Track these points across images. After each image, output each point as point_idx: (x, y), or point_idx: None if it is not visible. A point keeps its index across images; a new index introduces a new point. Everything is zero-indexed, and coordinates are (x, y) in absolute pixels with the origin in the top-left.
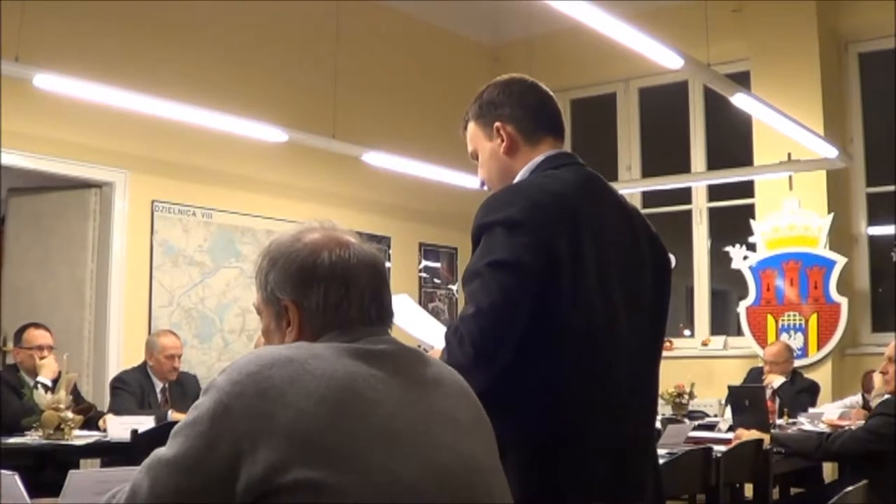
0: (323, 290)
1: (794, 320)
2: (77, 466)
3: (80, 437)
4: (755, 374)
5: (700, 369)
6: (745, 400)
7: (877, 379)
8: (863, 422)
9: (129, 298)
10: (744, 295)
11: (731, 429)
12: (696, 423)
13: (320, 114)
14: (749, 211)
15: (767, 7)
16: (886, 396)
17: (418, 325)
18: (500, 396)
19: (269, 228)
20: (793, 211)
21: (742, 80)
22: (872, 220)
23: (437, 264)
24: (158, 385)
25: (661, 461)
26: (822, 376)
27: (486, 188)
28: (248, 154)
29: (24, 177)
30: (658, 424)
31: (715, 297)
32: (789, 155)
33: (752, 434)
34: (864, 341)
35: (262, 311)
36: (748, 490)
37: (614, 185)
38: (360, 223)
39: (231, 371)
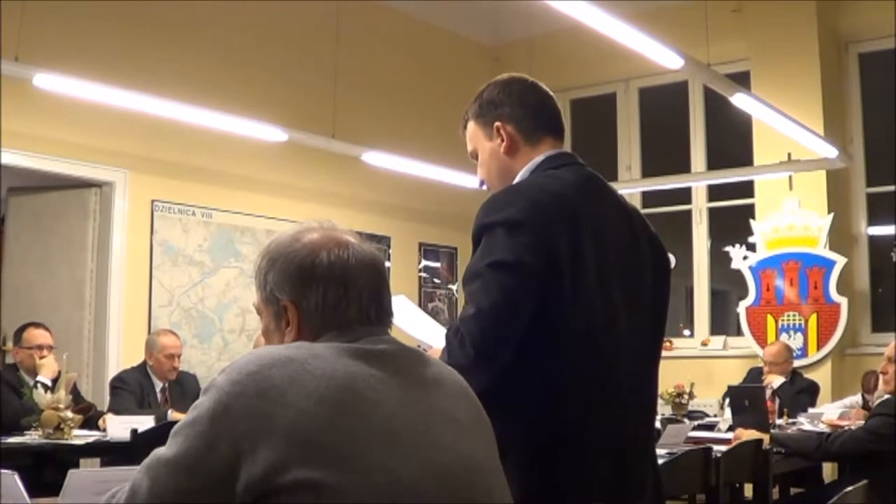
0: (321, 290)
1: (794, 320)
2: (77, 466)
3: (80, 437)
4: (755, 374)
5: (700, 369)
6: (745, 400)
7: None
8: (862, 422)
9: (129, 298)
10: (743, 295)
11: (730, 429)
12: (696, 423)
13: (320, 113)
14: (749, 211)
15: (767, 7)
16: (886, 396)
17: (417, 326)
18: (500, 396)
19: (268, 228)
20: (793, 211)
21: (742, 80)
22: (872, 220)
23: (437, 264)
24: (158, 385)
25: (661, 461)
26: (822, 376)
27: (485, 188)
28: (247, 154)
29: (24, 176)
30: (658, 424)
31: (715, 297)
32: (789, 155)
33: (752, 434)
34: (863, 341)
35: (261, 311)
36: (748, 490)
37: (614, 185)
38: (359, 223)
39: (231, 371)
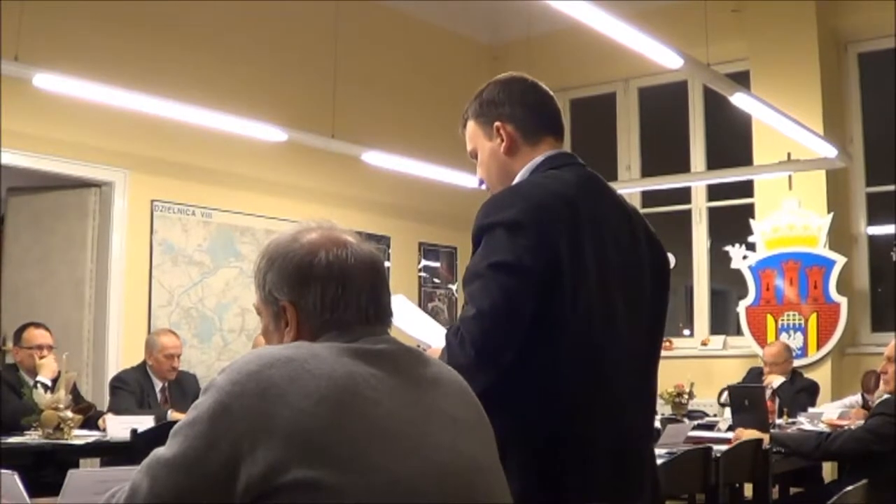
0: (320, 290)
1: (794, 320)
2: (76, 466)
3: (80, 437)
4: (754, 374)
5: (699, 369)
6: (745, 400)
7: None
8: (862, 421)
9: (129, 298)
10: (743, 294)
11: (730, 428)
12: (696, 422)
13: (320, 113)
14: (749, 211)
15: (767, 7)
16: (886, 396)
17: (416, 325)
18: (500, 396)
19: (268, 228)
20: (792, 211)
21: (742, 80)
22: (872, 220)
23: (437, 264)
24: (158, 384)
25: (660, 461)
26: (822, 376)
27: (484, 187)
28: (247, 154)
29: (24, 176)
30: (658, 424)
31: (714, 297)
32: (789, 155)
33: (752, 434)
34: (863, 341)
35: (261, 311)
36: (748, 490)
37: (614, 184)
38: (359, 223)
39: (231, 371)
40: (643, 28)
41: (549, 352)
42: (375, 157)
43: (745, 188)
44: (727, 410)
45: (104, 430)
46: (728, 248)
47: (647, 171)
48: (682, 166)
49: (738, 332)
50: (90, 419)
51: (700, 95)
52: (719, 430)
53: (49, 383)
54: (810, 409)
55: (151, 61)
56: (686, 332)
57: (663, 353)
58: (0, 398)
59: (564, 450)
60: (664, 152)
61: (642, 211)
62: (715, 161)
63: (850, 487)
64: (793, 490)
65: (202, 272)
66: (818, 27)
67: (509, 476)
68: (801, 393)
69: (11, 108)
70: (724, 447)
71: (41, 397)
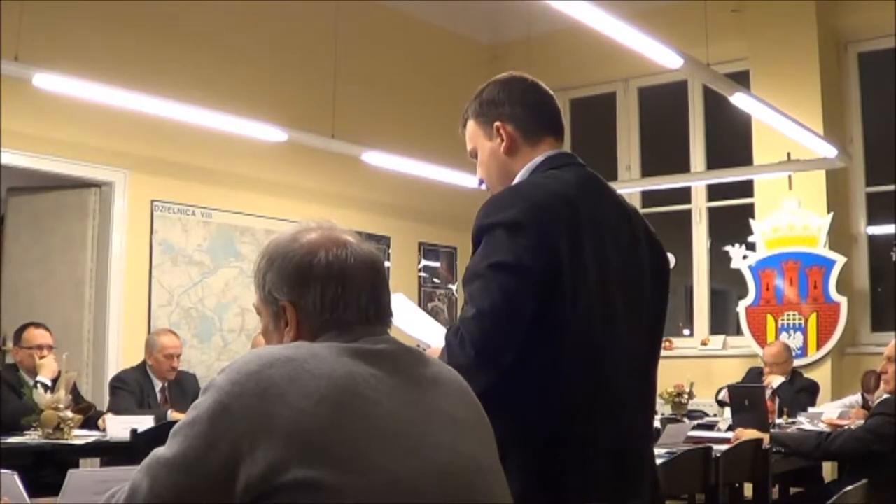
0: (319, 290)
1: (794, 320)
2: (76, 466)
3: (80, 437)
4: (754, 374)
5: (699, 369)
6: (745, 400)
7: None
8: (862, 421)
9: (129, 298)
10: (743, 294)
11: (730, 428)
12: (696, 422)
13: (320, 113)
14: (748, 210)
15: (767, 7)
16: (885, 396)
17: (415, 324)
18: (500, 396)
19: (268, 228)
20: (792, 210)
21: (741, 80)
22: (872, 220)
23: (437, 264)
24: (158, 384)
25: (660, 461)
26: (822, 376)
27: (484, 187)
28: (247, 154)
29: (24, 176)
30: (657, 424)
31: (714, 297)
32: (789, 154)
33: (752, 434)
34: (863, 341)
35: (261, 311)
36: (748, 489)
37: (614, 184)
38: (359, 223)
39: (230, 371)
40: (643, 28)
41: (549, 352)
42: (375, 157)
43: (745, 188)
44: (727, 410)
45: (104, 430)
46: (728, 247)
47: (647, 171)
48: (682, 166)
49: (738, 331)
50: (90, 419)
51: (700, 95)
52: (719, 429)
53: (49, 383)
54: (810, 409)
55: (151, 61)
56: (686, 331)
57: (663, 352)
58: (0, 398)
59: (564, 450)
60: (664, 152)
61: (642, 211)
62: (715, 161)
63: (849, 487)
64: (793, 490)
65: (202, 272)
66: (818, 27)
67: (509, 476)
68: (801, 393)
69: (11, 108)
70: (723, 447)
71: (41, 397)
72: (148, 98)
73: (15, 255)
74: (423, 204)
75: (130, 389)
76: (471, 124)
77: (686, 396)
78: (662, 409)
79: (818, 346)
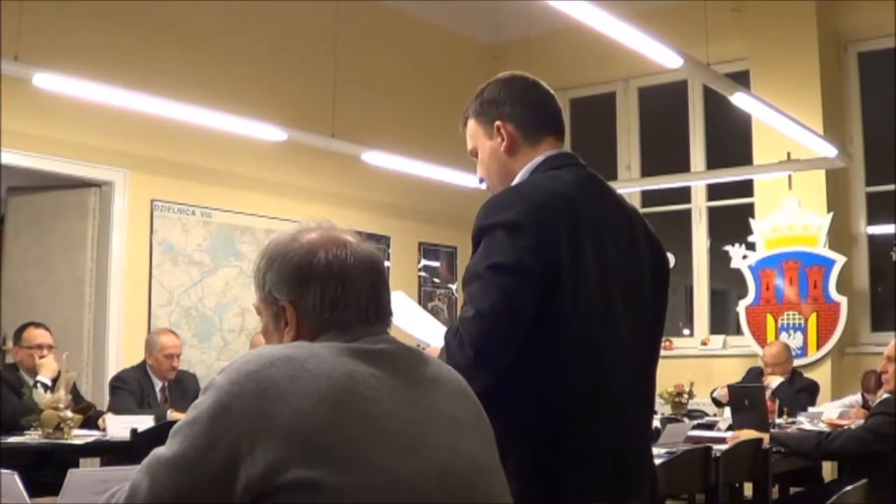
0: (319, 290)
1: (794, 320)
2: (76, 465)
3: (80, 437)
4: (754, 374)
5: (699, 369)
6: (745, 399)
7: None
8: (862, 421)
9: (129, 298)
10: (743, 294)
11: (730, 428)
12: (696, 422)
13: (319, 113)
14: (748, 210)
15: (767, 7)
16: (885, 395)
17: (415, 323)
18: (500, 396)
19: (268, 228)
20: (792, 210)
21: (741, 80)
22: (872, 220)
23: (437, 264)
24: (158, 384)
25: (660, 461)
26: (822, 376)
27: (484, 186)
28: (247, 153)
29: (24, 176)
30: (657, 424)
31: (714, 297)
32: (789, 154)
33: (752, 433)
34: (863, 340)
35: (261, 311)
36: (747, 489)
37: (613, 184)
38: (359, 222)
39: (230, 370)
40: (643, 28)
41: (549, 352)
42: (375, 157)
43: (745, 188)
44: (727, 410)
45: (104, 429)
46: (728, 247)
47: (647, 170)
48: (682, 166)
49: (738, 331)
50: (90, 419)
51: (700, 95)
52: (719, 429)
53: (49, 383)
54: (810, 409)
55: (151, 61)
56: (686, 331)
57: (663, 352)
58: (0, 398)
59: (564, 450)
60: (664, 152)
61: (642, 211)
62: (715, 161)
63: (849, 487)
64: (793, 490)
65: (202, 272)
66: (818, 27)
67: (509, 476)
68: (800, 393)
69: (11, 108)
70: (723, 447)
71: (41, 397)
72: (148, 98)
73: (15, 255)
74: (423, 204)
75: (130, 389)
76: (471, 123)
77: (686, 396)
78: (662, 408)
79: (818, 346)
